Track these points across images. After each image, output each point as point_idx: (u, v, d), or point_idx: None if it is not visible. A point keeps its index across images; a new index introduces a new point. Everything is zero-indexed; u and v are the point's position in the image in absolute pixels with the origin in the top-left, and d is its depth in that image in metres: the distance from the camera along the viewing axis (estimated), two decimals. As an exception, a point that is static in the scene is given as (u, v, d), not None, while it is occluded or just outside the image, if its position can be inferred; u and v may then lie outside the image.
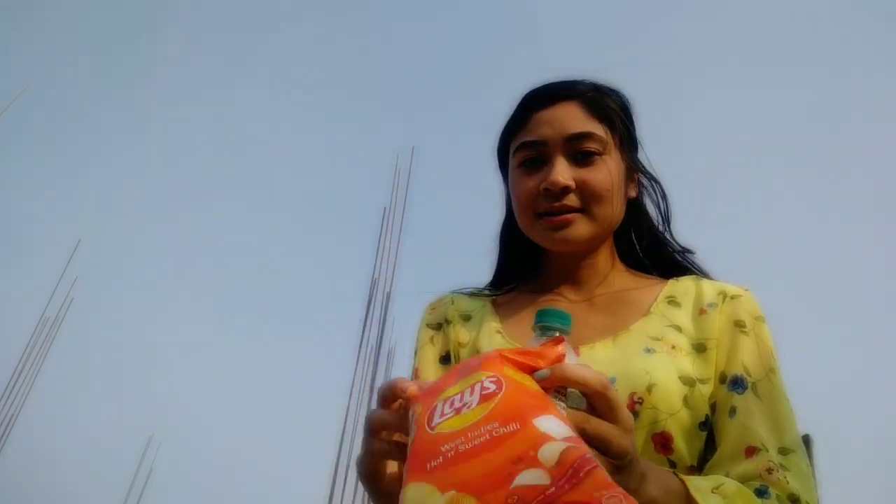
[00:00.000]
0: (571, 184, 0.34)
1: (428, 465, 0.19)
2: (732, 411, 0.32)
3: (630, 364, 0.32)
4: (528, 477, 0.17)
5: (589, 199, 0.34)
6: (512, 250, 0.41)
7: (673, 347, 0.33)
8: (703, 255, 0.39)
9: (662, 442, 0.31)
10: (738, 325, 0.34)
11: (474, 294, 0.41)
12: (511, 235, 0.40)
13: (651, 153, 0.40)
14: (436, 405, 0.21)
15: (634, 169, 0.38)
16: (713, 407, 0.32)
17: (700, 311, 0.35)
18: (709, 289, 0.35)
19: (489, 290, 0.41)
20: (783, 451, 0.30)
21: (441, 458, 0.19)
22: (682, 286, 0.36)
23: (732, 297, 0.35)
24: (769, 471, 0.30)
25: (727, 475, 0.30)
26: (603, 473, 0.17)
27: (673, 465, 0.30)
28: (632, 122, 0.39)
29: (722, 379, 0.33)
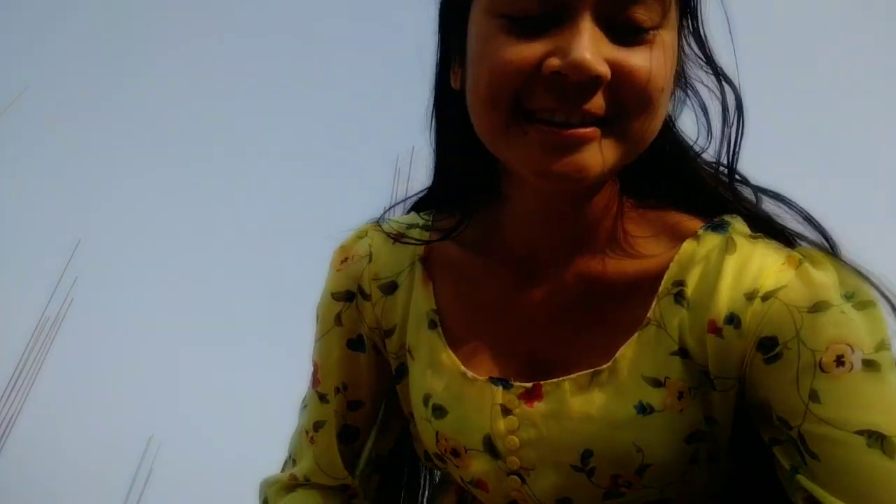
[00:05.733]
0: (606, 71, 0.19)
1: None
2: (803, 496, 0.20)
3: (616, 436, 0.22)
4: None
5: (628, 102, 0.20)
6: (457, 155, 0.26)
7: (679, 396, 0.21)
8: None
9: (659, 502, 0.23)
10: (765, 347, 0.20)
11: (400, 237, 0.27)
12: (455, 129, 0.24)
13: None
14: None
15: (683, 62, 0.23)
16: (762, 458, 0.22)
17: (709, 327, 0.21)
18: (731, 279, 0.21)
19: (421, 222, 0.28)
20: None
21: None
22: (701, 253, 0.22)
23: (766, 297, 0.21)
24: None
25: None
26: None
27: None
28: None
29: (770, 443, 0.21)
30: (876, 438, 0.18)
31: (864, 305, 0.20)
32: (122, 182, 2.90)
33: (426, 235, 0.28)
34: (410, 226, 0.28)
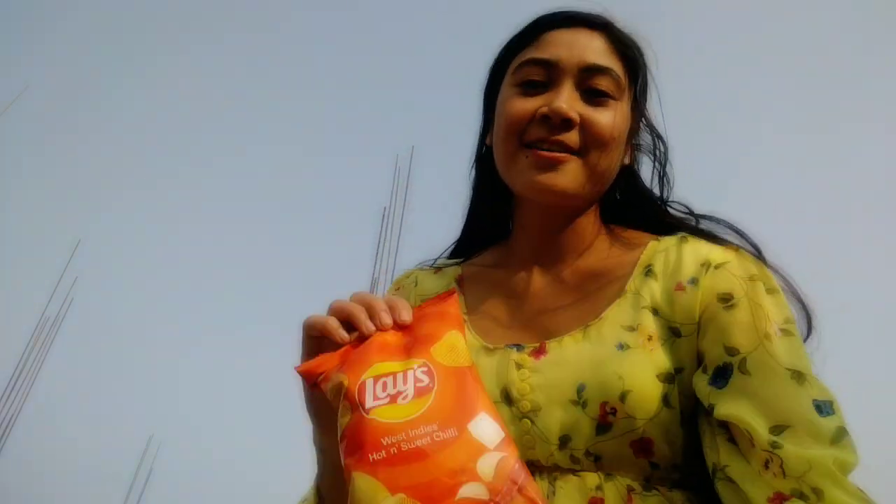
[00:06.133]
0: (576, 117, 0.30)
1: (370, 457, 0.19)
2: (710, 410, 0.26)
3: (602, 368, 0.28)
4: (470, 490, 0.18)
5: (590, 141, 0.30)
6: (487, 199, 0.36)
7: (649, 338, 0.28)
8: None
9: (642, 447, 0.27)
10: (724, 299, 0.28)
11: (441, 268, 0.37)
12: (486, 178, 0.35)
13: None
14: (364, 382, 0.21)
15: (636, 129, 0.34)
16: (698, 404, 0.28)
17: (676, 286, 0.29)
18: (690, 257, 0.30)
19: (457, 261, 0.37)
20: (776, 430, 0.24)
21: (384, 451, 0.19)
22: (663, 247, 0.31)
23: (717, 266, 0.29)
24: (766, 464, 0.24)
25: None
26: (532, 484, 0.19)
27: (655, 466, 0.27)
28: (647, 79, 0.34)
29: (704, 370, 0.27)
30: (797, 375, 0.26)
31: (772, 291, 0.28)
32: (122, 182, 2.90)
33: (459, 269, 0.36)
34: (448, 264, 0.37)
